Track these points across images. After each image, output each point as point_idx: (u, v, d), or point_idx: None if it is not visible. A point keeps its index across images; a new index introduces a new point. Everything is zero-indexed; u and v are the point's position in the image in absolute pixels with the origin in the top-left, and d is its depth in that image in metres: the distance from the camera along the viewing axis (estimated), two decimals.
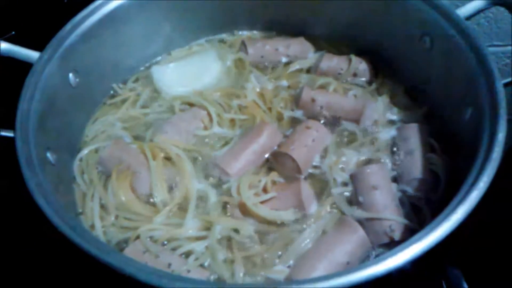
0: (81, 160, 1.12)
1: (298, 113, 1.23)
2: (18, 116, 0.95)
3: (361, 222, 0.99)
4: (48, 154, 0.99)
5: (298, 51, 1.36)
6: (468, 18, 1.09)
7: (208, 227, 1.00)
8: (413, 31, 1.17)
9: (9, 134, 0.94)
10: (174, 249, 0.97)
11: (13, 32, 1.56)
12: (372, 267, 0.72)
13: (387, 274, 0.72)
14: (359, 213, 1.01)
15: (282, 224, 1.01)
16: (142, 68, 1.36)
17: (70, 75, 1.12)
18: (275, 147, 1.14)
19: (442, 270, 1.08)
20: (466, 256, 1.10)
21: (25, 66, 1.07)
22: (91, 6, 1.16)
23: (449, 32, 1.07)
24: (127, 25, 1.24)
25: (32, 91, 1.00)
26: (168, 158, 1.10)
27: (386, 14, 1.23)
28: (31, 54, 1.06)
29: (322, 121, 1.19)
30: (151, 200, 1.05)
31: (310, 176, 1.10)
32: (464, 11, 1.09)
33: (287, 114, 1.22)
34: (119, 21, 1.21)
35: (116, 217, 1.02)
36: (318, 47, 1.38)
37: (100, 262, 0.75)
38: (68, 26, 1.12)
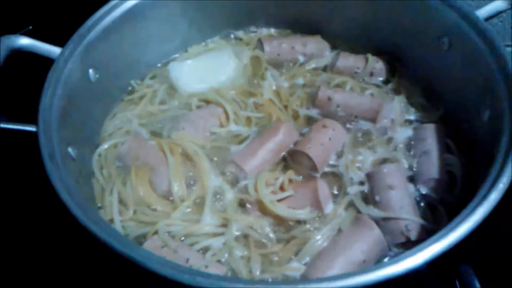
0: (100, 155, 1.14)
1: (314, 112, 1.23)
2: (41, 111, 0.96)
3: (377, 221, 1.00)
4: (69, 149, 1.00)
5: (314, 49, 1.36)
6: (487, 19, 1.09)
7: (225, 224, 1.01)
8: (431, 31, 1.17)
9: (32, 128, 0.95)
10: (191, 245, 0.98)
11: (30, 27, 1.58)
12: (392, 266, 0.73)
13: (406, 273, 0.73)
14: (376, 212, 1.01)
15: (299, 222, 1.02)
16: (159, 65, 1.37)
17: (90, 71, 1.13)
18: (291, 146, 1.14)
19: (454, 268, 1.09)
20: (478, 254, 1.10)
21: (41, 61, 1.08)
22: (111, 3, 1.17)
23: (468, 33, 1.07)
24: (145, 22, 1.25)
25: (54, 87, 1.01)
26: (185, 155, 1.11)
27: (404, 14, 1.23)
28: (53, 50, 1.08)
29: (338, 120, 1.19)
30: (169, 195, 1.06)
31: (326, 174, 1.11)
32: (483, 12, 1.09)
33: (303, 112, 1.23)
34: (138, 18, 1.22)
35: (135, 212, 1.03)
36: (334, 46, 1.39)
37: (122, 256, 0.76)
38: (89, 22, 1.13)
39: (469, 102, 1.09)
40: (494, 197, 0.80)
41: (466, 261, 1.05)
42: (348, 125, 1.19)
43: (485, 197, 0.80)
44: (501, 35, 1.66)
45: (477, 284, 1.03)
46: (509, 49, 1.67)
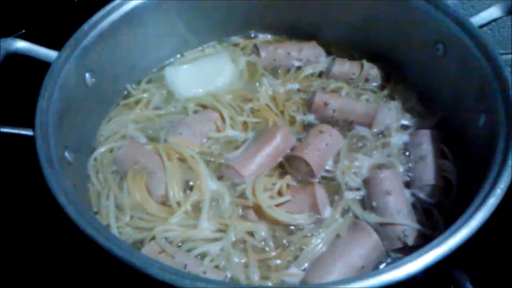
0: (95, 159, 1.13)
1: (310, 117, 1.24)
2: (38, 115, 0.95)
3: (374, 226, 1.00)
4: (66, 153, 0.99)
5: (310, 55, 1.37)
6: (482, 26, 1.11)
7: (223, 229, 1.00)
8: (427, 38, 1.18)
9: (28, 132, 0.94)
10: (189, 250, 0.97)
11: (23, 30, 1.57)
12: (393, 272, 0.73)
13: (406, 279, 0.73)
14: (373, 217, 1.02)
15: (297, 227, 1.02)
16: (155, 69, 1.36)
17: (87, 75, 1.13)
18: (288, 151, 1.14)
19: (448, 274, 1.09)
20: (473, 260, 1.10)
21: (37, 64, 1.07)
22: (108, 7, 1.17)
23: (463, 40, 1.08)
24: (142, 27, 1.25)
25: (50, 90, 1.00)
26: (182, 159, 1.11)
27: (399, 21, 1.24)
28: (49, 53, 1.07)
29: (334, 126, 1.19)
30: (166, 200, 1.05)
31: (323, 179, 1.11)
32: (478, 19, 1.10)
33: (299, 117, 1.23)
34: (134, 23, 1.22)
35: (131, 217, 1.02)
36: (329, 52, 1.39)
37: (120, 262, 0.75)
38: (85, 26, 1.12)
39: (464, 108, 1.10)
40: (492, 202, 0.81)
41: (459, 266, 1.06)
42: (344, 131, 1.20)
43: (483, 202, 0.81)
44: (499, 43, 1.69)
45: None
46: (509, 56, 1.70)
